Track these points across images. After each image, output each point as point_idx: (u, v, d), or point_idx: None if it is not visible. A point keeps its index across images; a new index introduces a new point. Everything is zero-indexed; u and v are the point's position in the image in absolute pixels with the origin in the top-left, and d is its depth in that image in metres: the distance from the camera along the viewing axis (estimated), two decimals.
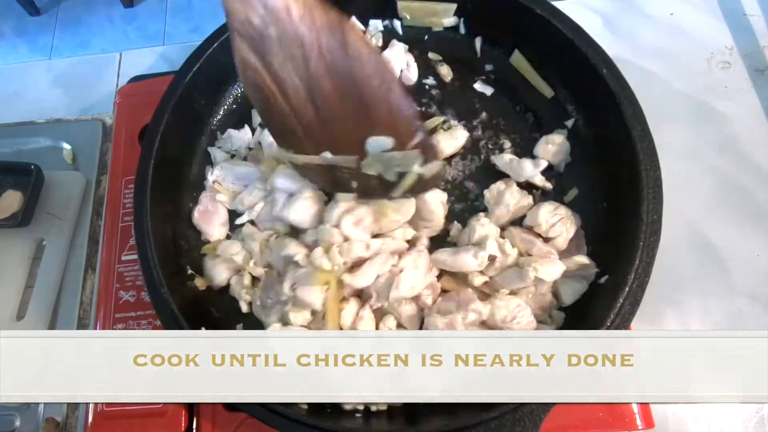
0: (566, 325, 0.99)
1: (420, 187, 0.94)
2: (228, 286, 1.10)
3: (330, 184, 0.98)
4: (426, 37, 1.23)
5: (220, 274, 1.08)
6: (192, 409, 1.04)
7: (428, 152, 0.87)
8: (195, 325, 0.98)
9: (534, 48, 1.15)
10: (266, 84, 0.80)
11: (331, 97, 0.79)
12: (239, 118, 1.21)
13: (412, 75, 1.20)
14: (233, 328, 1.08)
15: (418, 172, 0.89)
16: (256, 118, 1.20)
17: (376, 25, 1.24)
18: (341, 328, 0.95)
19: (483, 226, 1.02)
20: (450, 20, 1.21)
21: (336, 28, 0.76)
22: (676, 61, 1.27)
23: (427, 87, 1.21)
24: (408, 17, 1.23)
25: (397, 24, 1.24)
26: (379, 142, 0.84)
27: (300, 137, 0.86)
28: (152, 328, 1.10)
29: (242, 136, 1.18)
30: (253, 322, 1.07)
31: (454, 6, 1.18)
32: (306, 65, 0.77)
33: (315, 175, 0.97)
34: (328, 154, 0.87)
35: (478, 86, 1.19)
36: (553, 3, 1.07)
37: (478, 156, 1.15)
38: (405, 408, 0.97)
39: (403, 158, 0.86)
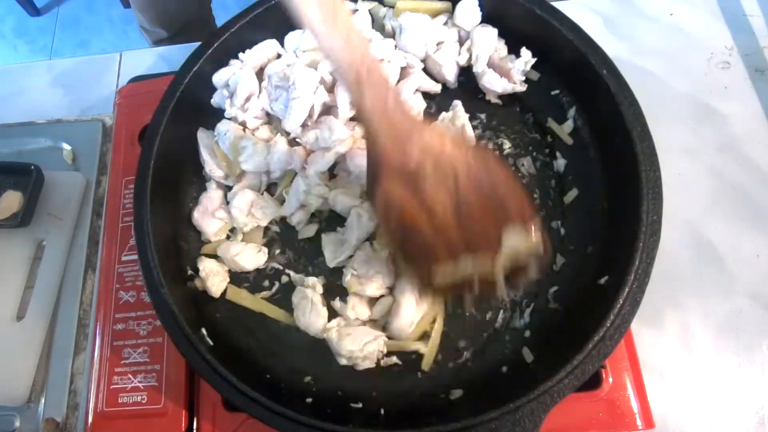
0: (567, 329, 0.99)
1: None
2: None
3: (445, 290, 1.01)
4: None
5: (215, 285, 1.09)
6: (192, 409, 1.04)
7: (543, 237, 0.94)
8: (195, 326, 0.99)
9: (533, 48, 1.14)
10: (411, 212, 0.90)
11: (475, 205, 0.89)
12: None
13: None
14: (233, 328, 1.08)
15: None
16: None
17: (364, 7, 1.23)
18: None
19: None
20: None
21: (478, 153, 0.91)
22: (675, 61, 1.27)
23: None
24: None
25: (386, 12, 1.23)
26: (515, 230, 0.89)
27: (436, 252, 0.92)
28: (152, 329, 1.11)
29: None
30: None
31: (449, 5, 1.18)
32: (456, 187, 0.88)
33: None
34: (468, 261, 0.92)
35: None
36: (553, 3, 1.08)
37: None
38: (405, 408, 0.98)
39: (527, 244, 0.91)
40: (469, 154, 0.89)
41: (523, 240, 0.89)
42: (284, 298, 1.10)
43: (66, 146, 1.37)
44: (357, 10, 1.22)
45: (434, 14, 1.19)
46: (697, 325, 1.08)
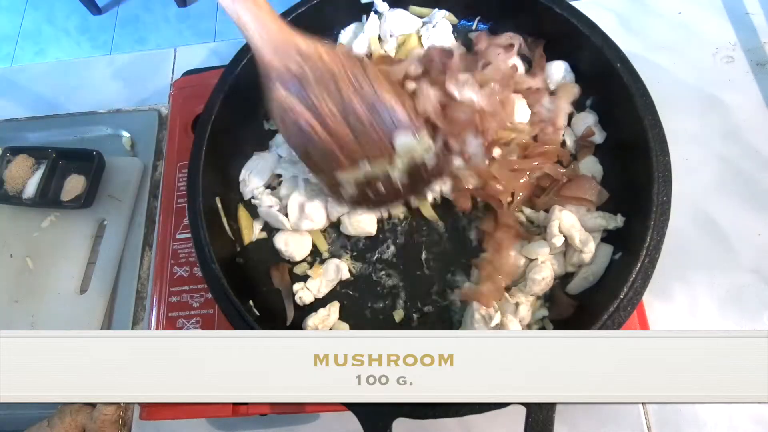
0: (584, 298, 0.99)
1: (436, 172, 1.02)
2: None
3: (359, 200, 1.04)
4: None
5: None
6: None
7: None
8: (243, 299, 0.99)
9: (553, 44, 1.15)
10: (304, 119, 0.93)
11: (361, 112, 0.92)
12: None
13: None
14: (278, 299, 1.08)
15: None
16: None
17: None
18: None
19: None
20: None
21: (355, 60, 0.92)
22: (683, 55, 1.27)
23: None
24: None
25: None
26: (403, 136, 0.94)
27: (338, 157, 0.96)
28: (204, 301, 1.12)
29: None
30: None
31: None
32: (339, 93, 0.91)
33: (347, 193, 1.03)
34: (365, 163, 0.96)
35: None
36: (571, 2, 1.08)
37: None
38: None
39: (419, 141, 0.96)
40: (347, 63, 0.91)
41: (414, 142, 0.94)
42: None
43: (125, 134, 1.39)
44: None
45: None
46: (703, 297, 1.08)
